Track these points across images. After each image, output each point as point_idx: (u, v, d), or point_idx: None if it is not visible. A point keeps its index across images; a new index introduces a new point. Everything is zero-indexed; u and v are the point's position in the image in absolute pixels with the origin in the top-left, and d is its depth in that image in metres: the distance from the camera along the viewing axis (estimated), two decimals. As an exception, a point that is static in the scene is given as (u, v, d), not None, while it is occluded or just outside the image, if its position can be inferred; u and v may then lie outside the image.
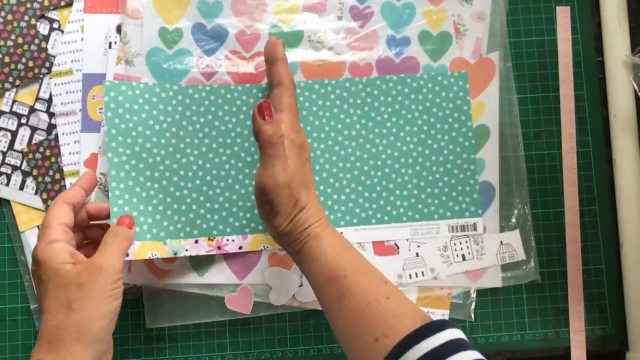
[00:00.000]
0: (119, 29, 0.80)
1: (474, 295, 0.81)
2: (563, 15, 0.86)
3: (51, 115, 0.80)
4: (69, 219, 0.66)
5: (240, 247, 0.76)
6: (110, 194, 0.71)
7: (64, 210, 0.66)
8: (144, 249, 0.71)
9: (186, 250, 0.73)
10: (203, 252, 0.74)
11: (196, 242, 0.74)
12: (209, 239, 0.74)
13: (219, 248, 0.75)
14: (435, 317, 0.79)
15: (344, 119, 0.79)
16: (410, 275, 0.80)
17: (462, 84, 0.81)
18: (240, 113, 0.76)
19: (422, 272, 0.80)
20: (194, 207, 0.74)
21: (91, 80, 0.80)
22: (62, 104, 0.80)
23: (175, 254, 0.73)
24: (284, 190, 0.63)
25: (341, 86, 0.79)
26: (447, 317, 0.80)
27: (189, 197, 0.74)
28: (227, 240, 0.75)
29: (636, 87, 0.83)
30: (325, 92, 0.79)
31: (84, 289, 0.61)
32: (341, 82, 0.79)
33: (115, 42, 0.80)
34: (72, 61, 0.80)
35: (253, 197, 0.76)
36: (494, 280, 0.81)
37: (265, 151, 0.63)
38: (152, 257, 0.71)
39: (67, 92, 0.80)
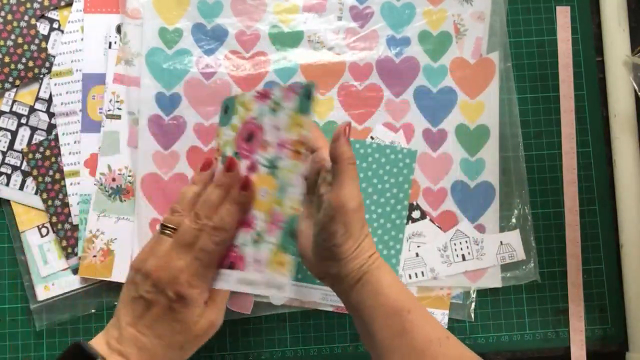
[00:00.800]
0: (118, 29, 0.80)
1: (474, 295, 0.81)
2: (563, 15, 0.86)
3: (51, 115, 0.80)
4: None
5: None
6: None
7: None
8: None
9: None
10: None
11: None
12: None
13: None
14: (435, 317, 0.80)
15: None
16: (410, 276, 0.80)
17: (409, 162, 0.80)
18: None
19: (422, 272, 0.80)
20: None
21: (91, 80, 0.80)
22: (62, 104, 0.80)
23: None
24: (359, 212, 0.62)
25: None
26: (447, 317, 0.80)
27: None
28: None
29: (636, 87, 0.83)
30: None
31: (198, 340, 0.63)
32: None
33: (115, 42, 0.80)
34: (72, 61, 0.80)
35: None
36: (494, 280, 0.81)
37: (346, 172, 0.62)
38: None
39: (67, 92, 0.80)
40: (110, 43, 0.80)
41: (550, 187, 0.84)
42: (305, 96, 0.62)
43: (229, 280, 0.64)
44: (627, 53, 0.84)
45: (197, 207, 0.64)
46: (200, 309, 0.62)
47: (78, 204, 0.79)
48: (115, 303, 0.80)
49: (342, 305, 0.80)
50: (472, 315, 0.81)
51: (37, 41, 0.80)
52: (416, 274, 0.79)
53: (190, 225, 0.62)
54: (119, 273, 0.78)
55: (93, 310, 0.80)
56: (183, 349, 0.62)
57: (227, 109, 0.68)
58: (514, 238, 0.81)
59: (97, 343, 0.61)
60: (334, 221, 0.62)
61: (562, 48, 0.86)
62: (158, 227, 0.65)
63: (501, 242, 0.81)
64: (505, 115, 0.82)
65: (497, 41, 0.83)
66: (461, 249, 0.80)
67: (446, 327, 0.80)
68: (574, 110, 0.85)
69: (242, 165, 0.65)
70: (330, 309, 0.80)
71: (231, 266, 0.64)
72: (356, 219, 0.62)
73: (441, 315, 0.80)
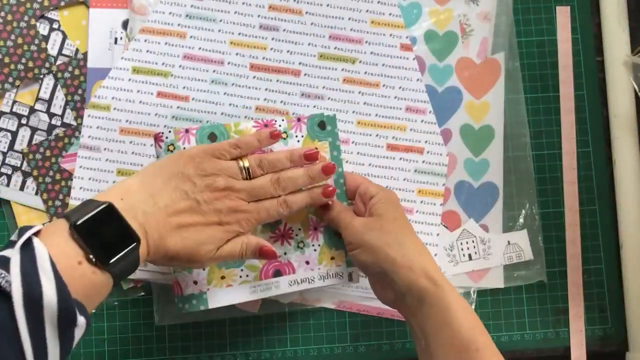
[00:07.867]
0: (125, 25, 0.80)
1: (474, 296, 0.81)
2: (563, 15, 0.86)
3: (51, 115, 0.80)
4: None
5: None
6: None
7: None
8: None
9: None
10: None
11: None
12: None
13: None
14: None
15: None
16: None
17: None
18: None
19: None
20: None
21: (96, 75, 0.79)
22: (89, 137, 0.78)
23: None
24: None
25: None
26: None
27: None
28: None
29: (636, 87, 0.83)
30: None
31: None
32: None
33: (121, 38, 0.80)
34: (112, 98, 0.78)
35: None
36: (496, 280, 0.81)
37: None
38: None
39: (97, 127, 0.78)
40: (116, 39, 0.80)
41: (550, 187, 0.84)
42: (318, 125, 0.73)
43: (279, 286, 0.71)
44: (627, 53, 0.84)
45: (282, 176, 0.65)
46: None
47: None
48: (115, 303, 0.79)
49: (342, 302, 0.80)
50: (473, 316, 0.81)
51: (37, 41, 0.79)
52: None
53: (269, 185, 0.64)
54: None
55: (93, 310, 0.80)
56: None
57: (216, 138, 0.70)
58: (521, 238, 0.81)
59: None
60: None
61: (562, 48, 0.86)
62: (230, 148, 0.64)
63: (508, 242, 0.81)
64: (512, 114, 0.82)
65: (503, 42, 0.82)
66: (468, 248, 0.80)
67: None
68: (574, 110, 0.85)
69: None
70: (333, 307, 0.80)
71: (277, 274, 0.71)
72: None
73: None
